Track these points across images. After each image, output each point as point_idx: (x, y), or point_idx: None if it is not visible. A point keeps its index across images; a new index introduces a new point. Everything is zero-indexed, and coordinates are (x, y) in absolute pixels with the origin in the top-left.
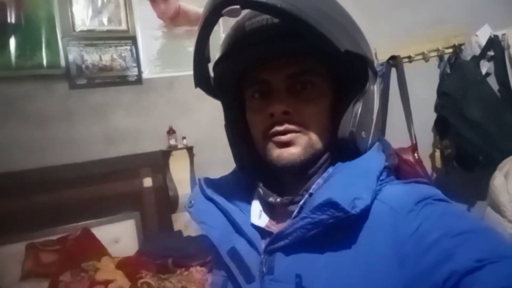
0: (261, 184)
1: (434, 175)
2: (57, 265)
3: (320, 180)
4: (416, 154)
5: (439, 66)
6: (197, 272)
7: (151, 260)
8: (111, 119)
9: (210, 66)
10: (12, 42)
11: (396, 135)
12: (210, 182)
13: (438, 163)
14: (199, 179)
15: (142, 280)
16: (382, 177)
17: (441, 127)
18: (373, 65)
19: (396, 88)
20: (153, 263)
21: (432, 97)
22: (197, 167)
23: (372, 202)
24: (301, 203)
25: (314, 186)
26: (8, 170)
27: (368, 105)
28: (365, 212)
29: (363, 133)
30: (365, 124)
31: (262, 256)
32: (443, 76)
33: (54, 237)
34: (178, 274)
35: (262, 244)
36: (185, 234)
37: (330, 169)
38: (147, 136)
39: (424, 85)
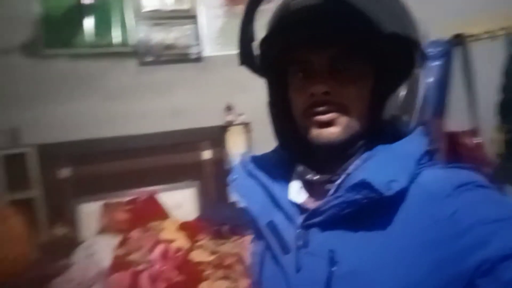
0: (300, 162)
1: (496, 159)
2: (128, 223)
3: (358, 161)
4: (477, 138)
5: (506, 46)
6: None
7: (209, 226)
8: (174, 94)
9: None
10: (90, 22)
11: (457, 118)
12: (252, 159)
13: (501, 147)
14: (242, 155)
15: (199, 243)
16: (422, 161)
17: (505, 110)
18: (421, 48)
19: (458, 67)
20: (210, 228)
21: (497, 78)
22: (253, 143)
23: (409, 185)
24: (337, 182)
25: (352, 167)
26: (88, 138)
27: (412, 89)
28: (401, 195)
29: (405, 116)
30: (408, 107)
31: (299, 230)
32: (510, 57)
33: (126, 199)
34: (232, 241)
35: (299, 219)
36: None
37: (369, 151)
38: (207, 111)
39: (488, 65)
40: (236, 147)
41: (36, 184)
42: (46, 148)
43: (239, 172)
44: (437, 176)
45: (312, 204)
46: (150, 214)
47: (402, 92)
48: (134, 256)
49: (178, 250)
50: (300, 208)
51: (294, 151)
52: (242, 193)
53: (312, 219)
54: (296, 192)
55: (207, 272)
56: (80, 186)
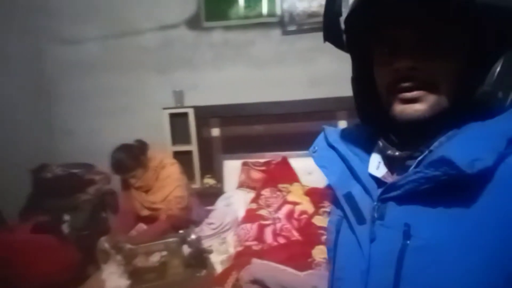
0: (382, 137)
1: None
2: (261, 182)
3: (443, 138)
4: None
5: None
6: None
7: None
8: (315, 63)
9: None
10: None
11: None
12: (333, 131)
13: None
14: (324, 128)
15: (324, 209)
16: None
17: None
18: None
19: None
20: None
21: None
22: None
23: (496, 165)
24: (419, 158)
25: (435, 144)
26: (235, 103)
27: (509, 64)
28: (487, 174)
29: (500, 93)
30: (504, 84)
31: (375, 203)
32: None
33: (262, 160)
34: None
35: (376, 192)
36: None
37: (457, 128)
38: (346, 81)
39: None
40: None
41: (193, 140)
42: (202, 109)
43: (320, 144)
44: None
45: (391, 179)
46: (281, 176)
47: (498, 67)
48: (263, 211)
49: (302, 213)
50: (379, 182)
51: (375, 127)
52: (322, 164)
53: (389, 193)
54: (376, 166)
55: (324, 237)
56: (226, 144)
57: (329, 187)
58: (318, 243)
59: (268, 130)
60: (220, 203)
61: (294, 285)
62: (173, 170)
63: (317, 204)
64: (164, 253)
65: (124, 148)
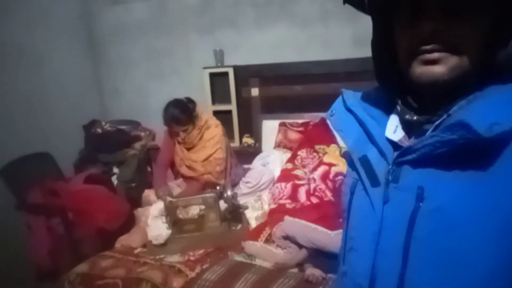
0: (400, 101)
1: None
2: (298, 142)
3: (463, 102)
4: None
5: None
6: None
7: None
8: (359, 21)
9: None
10: None
11: None
12: (351, 95)
13: None
14: (342, 91)
15: None
16: None
17: None
18: None
19: None
20: None
21: None
22: None
23: None
24: (437, 122)
25: (454, 108)
26: (276, 62)
27: None
28: (504, 139)
29: None
30: None
31: (390, 166)
32: None
33: (299, 121)
34: None
35: (392, 156)
36: None
37: (477, 92)
38: None
39: None
40: None
41: (232, 100)
42: (241, 69)
43: (338, 107)
44: None
45: (408, 143)
46: (318, 137)
47: None
48: (298, 172)
49: (338, 174)
50: (395, 145)
51: (394, 90)
52: (339, 127)
53: (405, 156)
54: (393, 130)
55: None
56: (265, 104)
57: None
58: None
59: (307, 90)
60: (257, 162)
61: (324, 243)
62: (217, 131)
63: None
64: (202, 207)
65: (178, 103)
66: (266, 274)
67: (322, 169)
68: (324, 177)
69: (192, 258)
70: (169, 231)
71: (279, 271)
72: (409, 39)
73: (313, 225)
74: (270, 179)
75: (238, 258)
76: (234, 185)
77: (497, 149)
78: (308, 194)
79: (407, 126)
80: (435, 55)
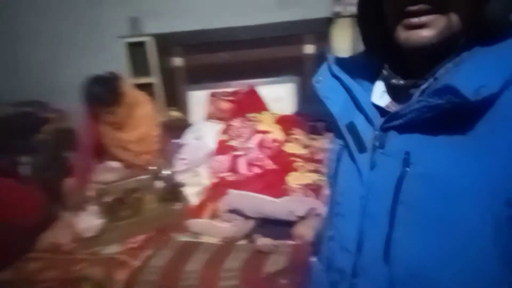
0: (386, 66)
1: None
2: (230, 112)
3: (450, 65)
4: None
5: None
6: None
7: (305, 121)
8: None
9: None
10: None
11: None
12: (337, 60)
13: None
14: (328, 56)
15: (294, 136)
16: None
17: None
18: None
19: None
20: (305, 123)
21: None
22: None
23: (501, 91)
24: (423, 87)
25: (441, 71)
26: (199, 29)
27: None
28: (491, 101)
29: (511, 16)
30: None
31: (377, 132)
32: None
33: (229, 90)
34: (325, 137)
35: (379, 121)
36: None
37: (465, 54)
38: (314, 1)
39: None
40: (342, 41)
41: (154, 71)
42: (162, 37)
43: (323, 73)
44: None
45: (394, 108)
46: (250, 106)
47: None
48: (234, 142)
49: (274, 141)
50: (382, 111)
51: (381, 55)
52: (325, 93)
53: (391, 122)
54: (379, 96)
55: (298, 164)
56: (191, 74)
57: (299, 113)
58: (291, 170)
59: (234, 57)
60: (189, 136)
61: (272, 211)
62: (148, 107)
63: (287, 131)
64: (138, 189)
65: (100, 80)
66: (216, 250)
67: (257, 137)
68: (261, 145)
69: (133, 245)
70: (101, 220)
71: (228, 245)
72: (395, 1)
73: (259, 196)
74: (207, 153)
75: (184, 238)
76: (168, 162)
77: (482, 112)
78: (249, 164)
79: (393, 91)
80: (423, 19)
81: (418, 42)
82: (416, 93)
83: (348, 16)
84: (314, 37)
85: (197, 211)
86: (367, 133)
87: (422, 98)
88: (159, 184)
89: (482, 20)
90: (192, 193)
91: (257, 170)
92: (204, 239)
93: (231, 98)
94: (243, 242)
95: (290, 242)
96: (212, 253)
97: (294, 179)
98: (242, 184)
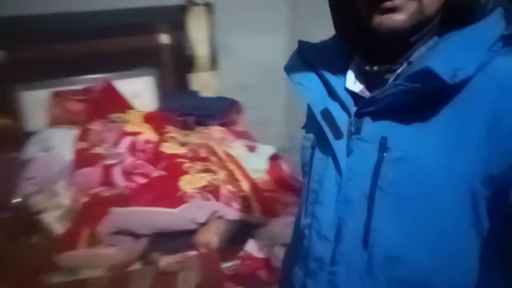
0: (358, 52)
1: None
2: (85, 114)
3: (423, 48)
4: None
5: None
6: (216, 130)
7: (173, 117)
8: None
9: None
10: None
11: None
12: (309, 46)
13: None
14: (299, 42)
15: (169, 134)
16: (495, 48)
17: None
18: None
19: None
20: (176, 119)
21: None
22: (217, 26)
23: (475, 73)
24: (398, 71)
25: (415, 55)
26: (27, 14)
27: None
28: (466, 83)
29: None
30: None
31: (352, 118)
32: None
33: (78, 87)
34: (197, 132)
35: (354, 107)
36: (203, 94)
37: (437, 37)
38: None
39: None
40: (198, 31)
41: None
42: None
43: (295, 59)
44: (510, 66)
45: (368, 93)
46: (109, 104)
47: None
48: (98, 149)
49: (147, 142)
50: (356, 97)
51: (352, 40)
52: (297, 80)
53: (367, 108)
54: (353, 81)
55: (186, 166)
56: (21, 71)
57: (163, 108)
58: (181, 173)
59: (77, 49)
60: (34, 148)
61: (171, 224)
62: None
63: (159, 130)
64: None
65: None
66: (108, 284)
67: (127, 140)
68: (133, 149)
69: None
70: None
71: (123, 274)
72: None
73: (151, 209)
74: (61, 168)
75: (57, 278)
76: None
77: (457, 95)
78: (127, 174)
79: (366, 77)
80: (396, 2)
81: (391, 26)
82: (391, 78)
83: (202, 4)
84: (169, 26)
85: (68, 241)
86: (342, 120)
87: (398, 82)
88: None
89: (454, 3)
90: (53, 220)
91: (140, 180)
92: (86, 274)
93: (83, 97)
94: (138, 266)
95: (195, 252)
96: None
97: (187, 184)
98: (125, 198)
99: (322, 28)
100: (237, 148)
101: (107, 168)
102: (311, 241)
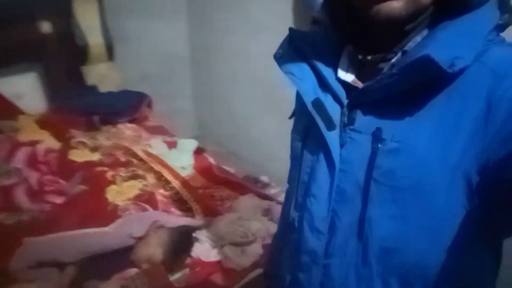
0: (351, 40)
1: None
2: None
3: (418, 37)
4: None
5: None
6: (127, 128)
7: (74, 118)
8: None
9: None
10: None
11: None
12: (299, 34)
13: None
14: (290, 29)
15: (76, 140)
16: (490, 37)
17: None
18: None
19: None
20: (79, 120)
21: None
22: (107, 13)
23: (471, 62)
24: (393, 60)
25: (410, 44)
26: None
27: None
28: (462, 73)
29: None
30: None
31: (345, 108)
32: None
33: None
34: (105, 131)
35: (345, 98)
36: (102, 89)
37: (432, 26)
38: None
39: None
40: (88, 19)
41: None
42: None
43: (285, 48)
44: (504, 55)
45: (360, 84)
46: None
47: None
48: None
49: (48, 151)
50: (348, 87)
51: (344, 29)
52: (288, 69)
53: (361, 98)
54: (345, 71)
55: (109, 174)
56: None
57: (58, 109)
58: (105, 184)
59: None
60: None
61: (104, 245)
62: None
63: (61, 135)
64: None
65: None
66: None
67: (23, 153)
68: (32, 161)
69: None
70: None
71: None
72: None
73: (79, 232)
74: None
75: None
76: None
77: (452, 84)
78: (33, 194)
79: (359, 66)
80: None
81: (388, 13)
82: (385, 67)
83: None
84: (51, 12)
85: None
86: (335, 110)
87: (394, 72)
88: None
89: None
90: None
91: (55, 199)
92: None
93: None
94: None
95: (135, 270)
96: None
97: (116, 195)
98: (41, 224)
99: (219, 12)
100: (157, 146)
101: (6, 190)
102: (303, 234)
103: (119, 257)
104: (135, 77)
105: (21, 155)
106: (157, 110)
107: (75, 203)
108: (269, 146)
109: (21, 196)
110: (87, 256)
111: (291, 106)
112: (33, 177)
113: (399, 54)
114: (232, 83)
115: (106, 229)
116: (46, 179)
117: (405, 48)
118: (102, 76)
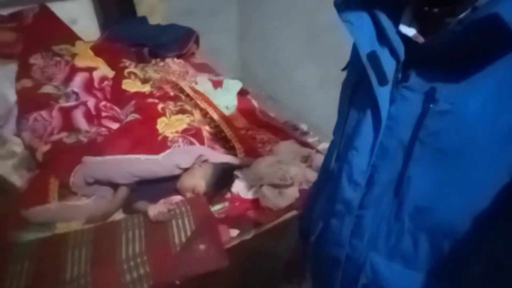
0: None
1: None
2: (20, 45)
3: None
4: None
5: None
6: (174, 63)
7: (127, 48)
8: None
9: None
10: None
11: None
12: None
13: None
14: None
15: (128, 70)
16: None
17: None
18: None
19: None
20: (130, 51)
21: None
22: None
23: None
24: (461, 16)
25: (482, 0)
26: None
27: None
28: None
29: None
30: None
31: (401, 64)
32: None
33: (4, 12)
34: (154, 64)
35: (403, 54)
36: (151, 21)
37: None
38: None
39: None
40: None
41: None
42: None
43: None
44: None
45: (423, 39)
46: (50, 34)
47: None
48: (47, 89)
49: (102, 79)
50: (409, 41)
51: None
52: (347, 17)
53: (419, 54)
54: (408, 24)
55: (159, 107)
56: None
57: (110, 38)
58: (157, 115)
59: None
60: None
61: (154, 171)
62: None
63: (115, 64)
64: None
65: None
66: (94, 238)
67: (80, 77)
68: (88, 87)
69: None
70: None
71: (108, 225)
72: None
73: (132, 156)
74: (7, 110)
75: (29, 236)
76: None
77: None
78: (92, 117)
79: (423, 19)
80: None
81: None
82: (451, 22)
83: None
84: None
85: (35, 194)
86: (390, 65)
87: (459, 28)
88: None
89: None
90: (8, 170)
91: (110, 124)
92: (61, 227)
93: (13, 24)
94: (121, 216)
95: (179, 197)
96: (90, 244)
97: (167, 127)
98: (98, 146)
99: None
100: (203, 84)
101: (67, 111)
102: (340, 185)
103: (166, 184)
104: (181, 11)
105: (79, 79)
106: (202, 47)
107: (129, 130)
108: (309, 94)
109: (79, 119)
110: (138, 179)
111: (335, 55)
112: (90, 101)
113: (469, 10)
114: (277, 25)
115: (156, 157)
116: (103, 105)
117: (476, 4)
118: (152, 7)
